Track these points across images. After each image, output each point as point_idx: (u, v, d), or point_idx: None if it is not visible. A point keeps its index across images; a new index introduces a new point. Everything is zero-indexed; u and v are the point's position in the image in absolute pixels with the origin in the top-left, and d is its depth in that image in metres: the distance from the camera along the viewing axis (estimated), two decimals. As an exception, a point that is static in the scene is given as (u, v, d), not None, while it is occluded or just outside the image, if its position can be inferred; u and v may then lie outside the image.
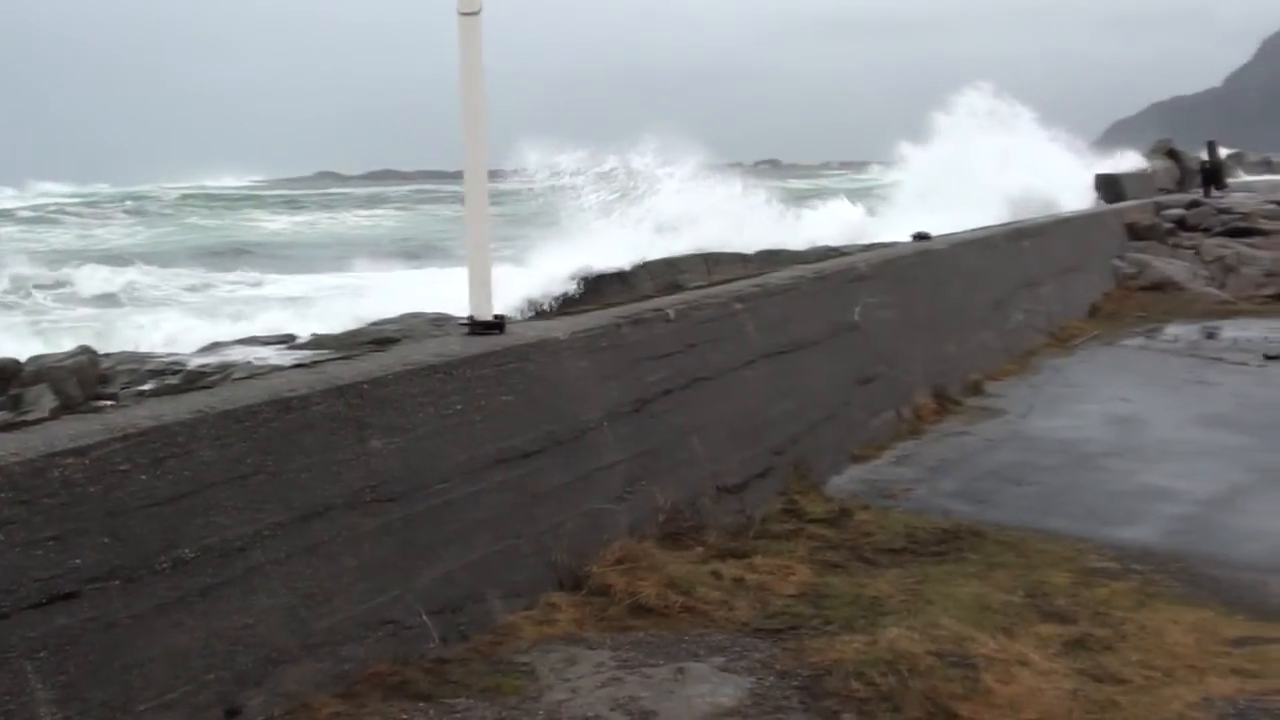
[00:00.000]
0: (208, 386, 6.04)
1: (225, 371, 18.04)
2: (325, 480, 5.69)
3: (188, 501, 5.07)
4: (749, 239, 30.05)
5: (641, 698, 5.75)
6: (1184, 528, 8.87)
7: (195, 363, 19.88)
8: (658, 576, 7.02)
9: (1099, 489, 9.93)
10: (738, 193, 35.32)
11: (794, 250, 27.56)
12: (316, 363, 6.55)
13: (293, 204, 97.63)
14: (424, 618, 6.07)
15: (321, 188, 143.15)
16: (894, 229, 24.36)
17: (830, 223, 36.80)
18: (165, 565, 4.94)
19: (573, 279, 26.96)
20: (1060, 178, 32.90)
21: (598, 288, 25.85)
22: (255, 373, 7.60)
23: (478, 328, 7.35)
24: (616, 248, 28.93)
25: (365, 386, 6.02)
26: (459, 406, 6.51)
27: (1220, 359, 16.37)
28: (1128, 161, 39.03)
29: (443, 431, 6.37)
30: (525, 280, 26.82)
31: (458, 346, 6.92)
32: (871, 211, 40.54)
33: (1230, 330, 19.10)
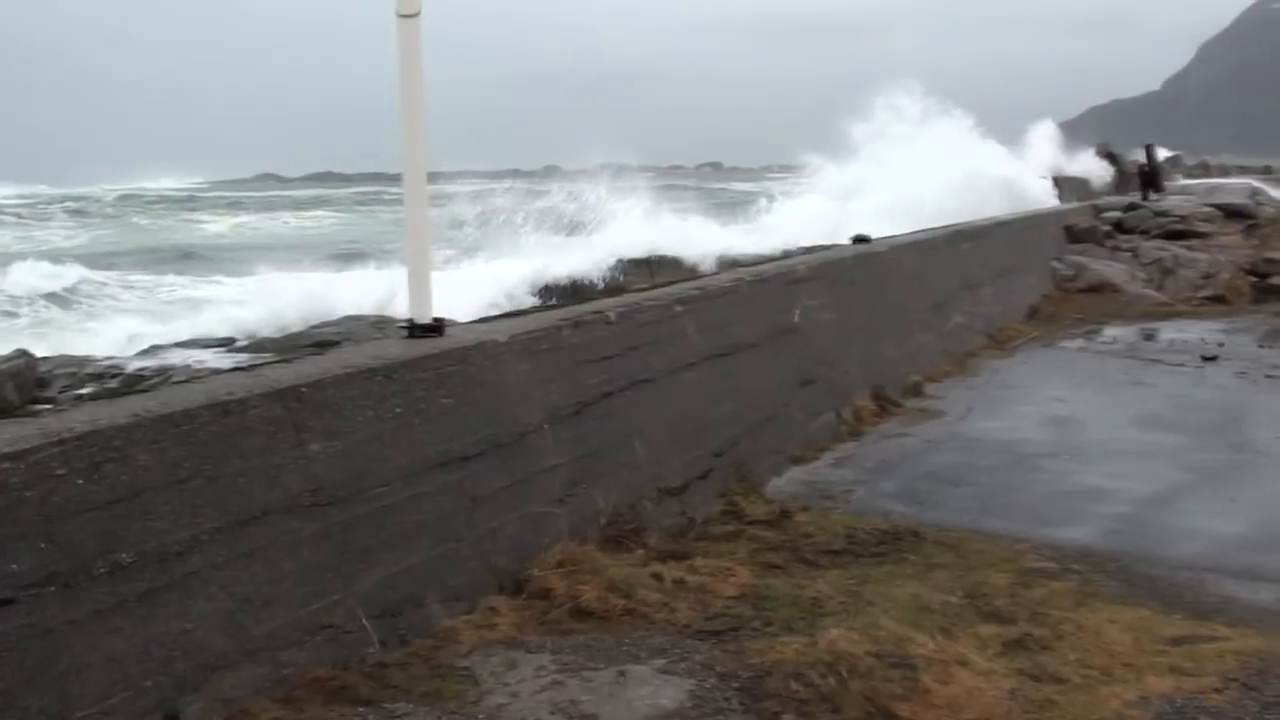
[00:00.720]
0: (146, 390, 6.00)
1: (164, 375, 17.89)
2: (264, 484, 5.66)
3: (125, 506, 5.03)
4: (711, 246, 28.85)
5: (582, 701, 5.75)
6: (1121, 528, 8.94)
7: (134, 366, 19.68)
8: (599, 579, 7.02)
9: (1037, 489, 10.00)
10: (715, 230, 32.75)
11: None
12: (255, 366, 6.53)
13: (235, 206, 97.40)
14: (364, 622, 6.05)
15: (263, 189, 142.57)
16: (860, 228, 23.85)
17: (807, 220, 34.68)
18: (103, 571, 4.90)
19: (535, 294, 26.19)
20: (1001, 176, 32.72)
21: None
22: (194, 376, 7.57)
23: (417, 330, 7.32)
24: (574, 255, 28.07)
25: (304, 390, 5.98)
26: (398, 410, 6.49)
27: (1158, 360, 16.51)
28: (1079, 164, 39.05)
29: (382, 435, 6.35)
30: (484, 281, 26.33)
31: (397, 349, 6.89)
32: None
33: (1168, 332, 19.28)
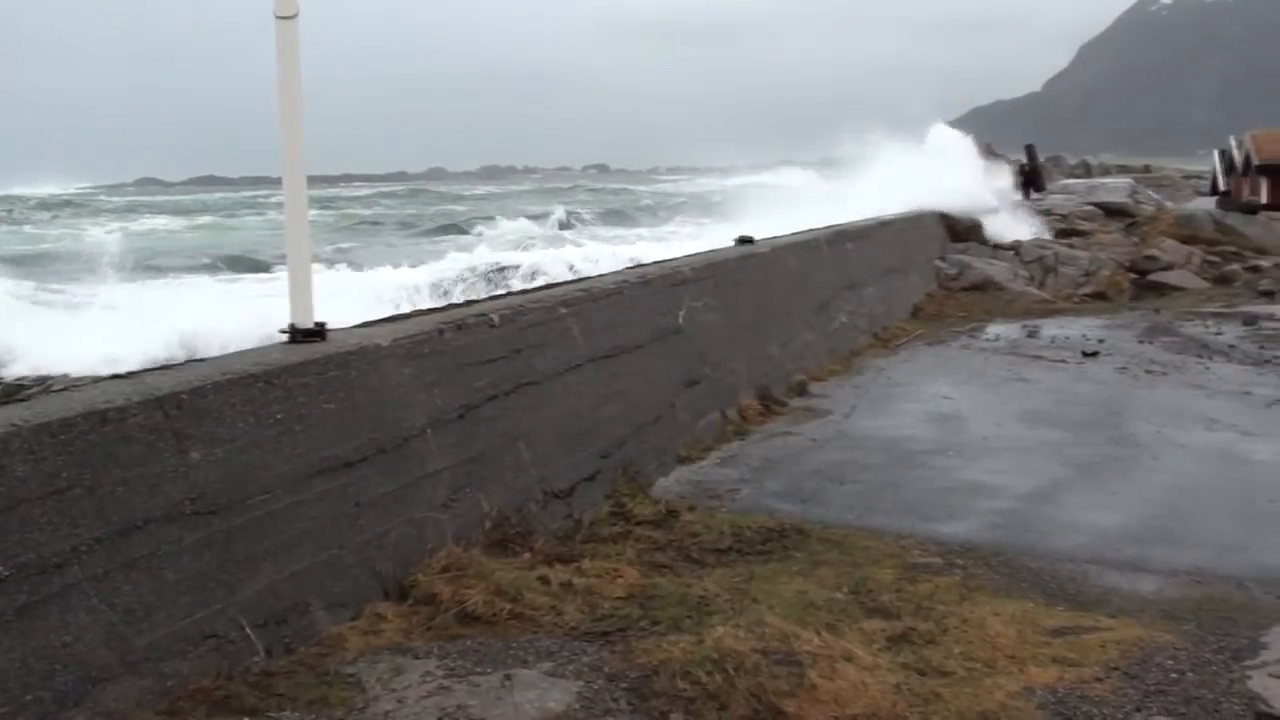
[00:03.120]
0: (23, 399, 5.88)
1: (43, 384, 17.64)
2: (144, 493, 5.59)
3: (1, 518, 4.94)
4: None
5: (469, 706, 5.73)
6: (1005, 522, 9.05)
7: (11, 375, 19.41)
8: (485, 584, 7.00)
9: (922, 486, 10.09)
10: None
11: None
12: (134, 373, 6.43)
13: (118, 211, 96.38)
14: (248, 631, 5.99)
15: (146, 194, 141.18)
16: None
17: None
18: (-21, 584, 4.83)
19: None
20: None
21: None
22: (72, 385, 7.44)
23: (298, 335, 7.25)
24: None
25: (184, 397, 5.91)
26: (280, 416, 6.43)
27: (1040, 357, 16.74)
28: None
29: (263, 442, 6.29)
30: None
31: (278, 355, 6.81)
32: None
33: (1050, 329, 19.54)
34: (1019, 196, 32.98)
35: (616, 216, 71.48)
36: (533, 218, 66.41)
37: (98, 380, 6.28)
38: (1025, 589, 7.61)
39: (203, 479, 5.89)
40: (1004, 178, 33.81)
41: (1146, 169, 67.43)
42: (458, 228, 65.80)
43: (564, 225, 62.29)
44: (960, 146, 34.21)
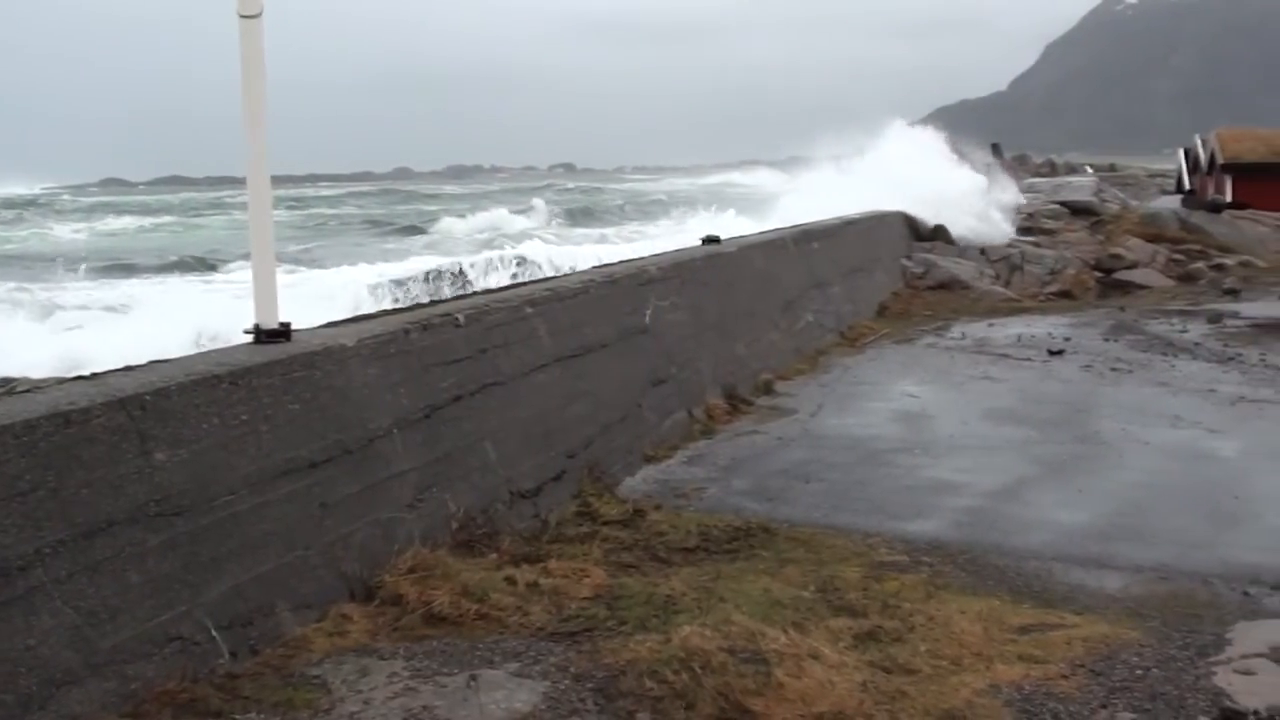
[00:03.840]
0: (-14, 401, 5.85)
1: (7, 386, 17.54)
2: (108, 495, 5.56)
3: (-36, 521, 4.93)
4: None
5: (435, 706, 5.72)
6: (971, 520, 9.06)
7: (-25, 378, 19.28)
8: (451, 585, 6.98)
9: (888, 484, 10.11)
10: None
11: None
12: (98, 374, 6.40)
13: (83, 211, 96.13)
14: (213, 633, 5.96)
15: (110, 194, 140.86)
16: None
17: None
18: (-59, 587, 4.80)
19: None
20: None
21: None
22: (36, 386, 7.40)
23: (263, 335, 7.22)
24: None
25: (148, 398, 5.88)
26: (245, 417, 6.40)
27: (1006, 355, 16.77)
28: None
29: (228, 443, 6.26)
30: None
31: (243, 355, 6.78)
32: None
33: (1015, 327, 19.58)
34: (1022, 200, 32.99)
35: (588, 216, 71.62)
36: (517, 211, 66.49)
37: (61, 381, 6.25)
38: (991, 587, 7.63)
39: (167, 480, 5.86)
40: (1010, 190, 33.43)
41: (1112, 168, 67.72)
42: (422, 229, 65.86)
43: (547, 222, 62.35)
44: (930, 144, 34.10)
